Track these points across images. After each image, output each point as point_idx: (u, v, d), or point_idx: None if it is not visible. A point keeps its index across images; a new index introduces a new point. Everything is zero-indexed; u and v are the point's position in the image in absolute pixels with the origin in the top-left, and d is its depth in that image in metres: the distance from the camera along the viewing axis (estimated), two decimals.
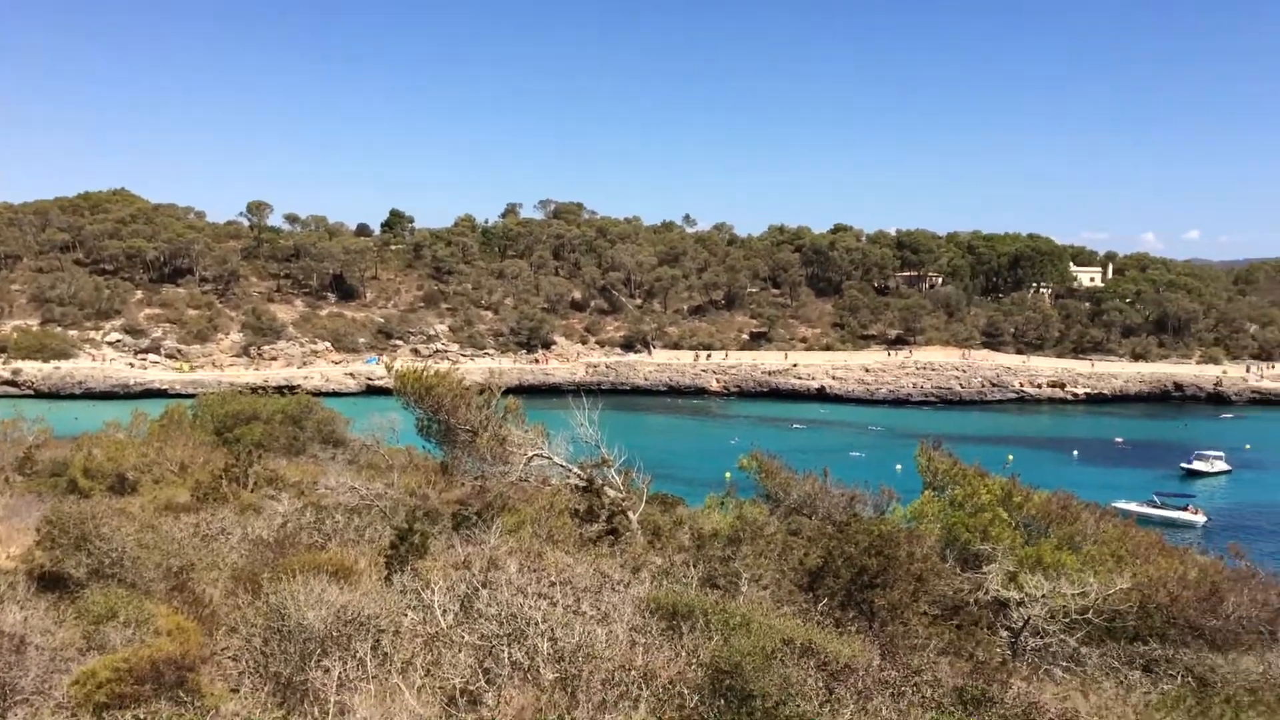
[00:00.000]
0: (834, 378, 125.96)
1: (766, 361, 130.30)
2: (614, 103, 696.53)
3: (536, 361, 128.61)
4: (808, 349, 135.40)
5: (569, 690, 9.38)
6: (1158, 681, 16.54)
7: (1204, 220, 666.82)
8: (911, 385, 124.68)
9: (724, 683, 9.22)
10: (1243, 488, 76.53)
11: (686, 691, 9.48)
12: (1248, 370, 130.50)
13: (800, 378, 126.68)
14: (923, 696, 9.89)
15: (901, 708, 9.47)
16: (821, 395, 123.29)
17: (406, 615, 11.60)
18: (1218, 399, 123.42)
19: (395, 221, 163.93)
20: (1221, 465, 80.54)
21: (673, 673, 9.81)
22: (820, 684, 9.50)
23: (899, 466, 56.73)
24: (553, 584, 11.19)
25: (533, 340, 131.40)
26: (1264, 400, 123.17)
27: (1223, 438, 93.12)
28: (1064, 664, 16.64)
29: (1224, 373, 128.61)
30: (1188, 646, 18.30)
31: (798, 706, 8.85)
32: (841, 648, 10.33)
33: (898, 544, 13.72)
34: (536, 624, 10.18)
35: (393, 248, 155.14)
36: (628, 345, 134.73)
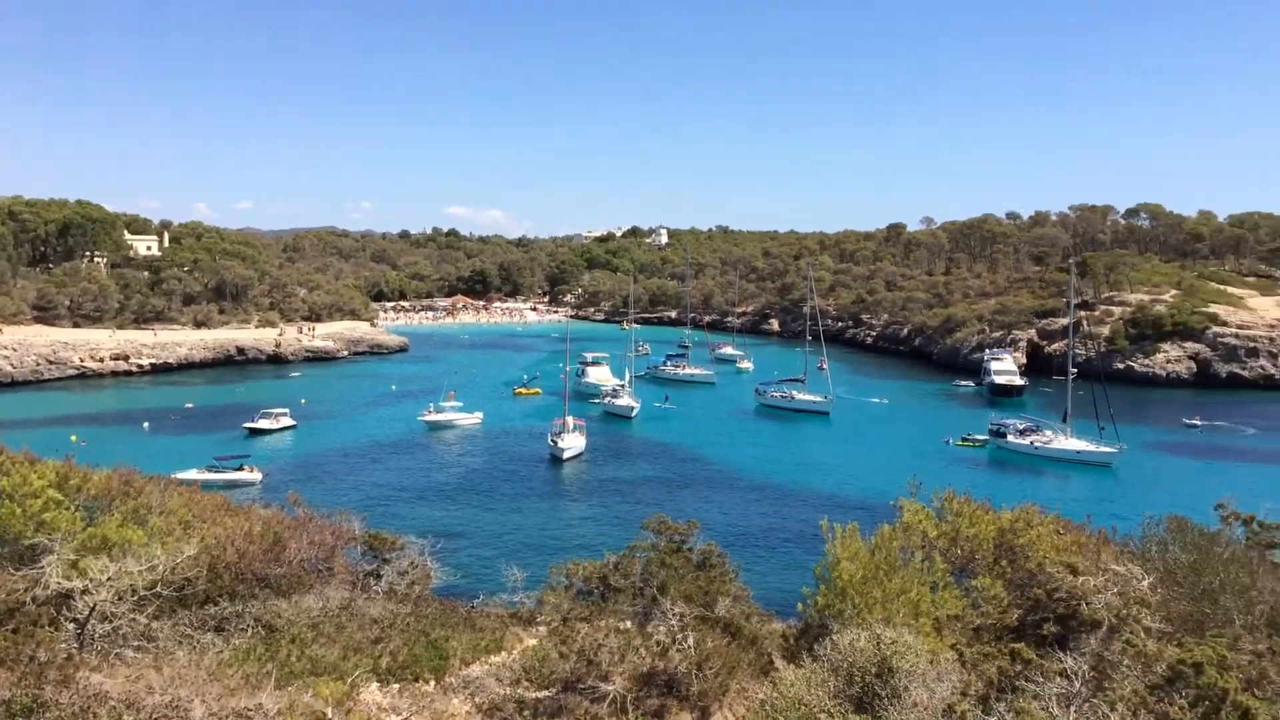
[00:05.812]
0: None
1: None
2: None
3: None
4: None
5: None
6: (230, 638, 17.09)
7: (255, 192, 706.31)
8: None
9: None
10: (303, 439, 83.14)
11: None
12: (300, 331, 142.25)
13: None
14: None
15: None
16: None
17: None
18: (278, 359, 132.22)
19: None
20: (287, 421, 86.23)
21: None
22: None
23: None
24: None
25: None
26: (317, 357, 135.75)
27: (286, 395, 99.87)
28: (136, 643, 16.18)
29: (280, 334, 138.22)
30: (256, 598, 19.21)
31: None
32: None
33: None
34: None
35: None
36: None
